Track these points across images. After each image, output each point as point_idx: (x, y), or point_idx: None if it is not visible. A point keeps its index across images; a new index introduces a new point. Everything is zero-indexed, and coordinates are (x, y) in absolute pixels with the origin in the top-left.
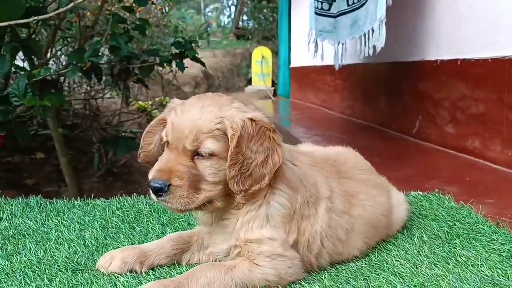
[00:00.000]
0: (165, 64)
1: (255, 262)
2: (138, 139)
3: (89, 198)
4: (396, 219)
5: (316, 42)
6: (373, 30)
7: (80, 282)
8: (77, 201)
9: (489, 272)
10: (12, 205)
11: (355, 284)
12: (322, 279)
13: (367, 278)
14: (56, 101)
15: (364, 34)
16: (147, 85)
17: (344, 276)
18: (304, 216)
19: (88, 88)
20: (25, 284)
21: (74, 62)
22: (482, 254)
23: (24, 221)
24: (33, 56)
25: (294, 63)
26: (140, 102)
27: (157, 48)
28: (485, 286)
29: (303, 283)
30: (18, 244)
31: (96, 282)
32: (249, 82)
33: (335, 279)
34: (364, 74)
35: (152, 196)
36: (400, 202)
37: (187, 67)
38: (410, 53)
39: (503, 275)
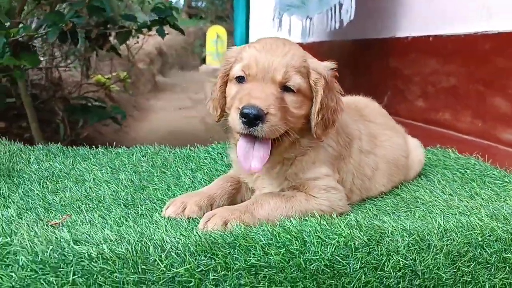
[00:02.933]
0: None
1: (311, 194)
2: (109, 109)
3: (111, 146)
4: (414, 161)
5: (281, 17)
6: (340, 4)
7: (139, 213)
8: (100, 148)
9: None
10: (34, 151)
11: (400, 214)
12: (367, 211)
13: (409, 210)
14: (32, 62)
15: (331, 8)
16: (120, 53)
17: (385, 209)
18: (342, 156)
19: (51, 58)
20: (87, 212)
21: (52, 24)
22: (501, 194)
23: (52, 165)
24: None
25: None
26: (99, 76)
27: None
28: None
29: (350, 214)
30: (57, 183)
31: (154, 214)
32: (203, 61)
33: (378, 212)
34: (330, 52)
35: (240, 126)
36: (416, 145)
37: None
38: (380, 30)
39: None
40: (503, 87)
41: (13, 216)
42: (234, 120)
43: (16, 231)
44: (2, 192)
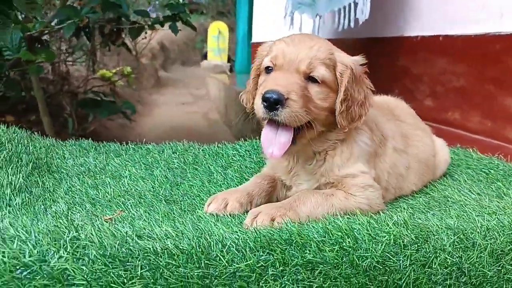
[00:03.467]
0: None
1: (350, 192)
2: (119, 104)
3: (140, 143)
4: (441, 161)
5: (293, 15)
6: (355, 3)
7: (182, 210)
8: (130, 144)
9: None
10: (66, 146)
11: (434, 212)
12: (401, 210)
13: (442, 209)
14: (48, 57)
15: (344, 7)
16: (130, 49)
17: (418, 208)
18: (377, 154)
19: (59, 52)
20: (131, 208)
21: (66, 18)
22: None
23: (87, 160)
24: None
25: (258, 38)
26: (104, 71)
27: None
28: None
29: (387, 212)
30: (96, 179)
31: (195, 211)
32: (204, 57)
33: (413, 210)
34: None
35: (262, 110)
36: (442, 145)
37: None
38: (388, 29)
39: None
40: None
41: (65, 211)
42: (257, 105)
43: (76, 226)
44: (48, 187)
